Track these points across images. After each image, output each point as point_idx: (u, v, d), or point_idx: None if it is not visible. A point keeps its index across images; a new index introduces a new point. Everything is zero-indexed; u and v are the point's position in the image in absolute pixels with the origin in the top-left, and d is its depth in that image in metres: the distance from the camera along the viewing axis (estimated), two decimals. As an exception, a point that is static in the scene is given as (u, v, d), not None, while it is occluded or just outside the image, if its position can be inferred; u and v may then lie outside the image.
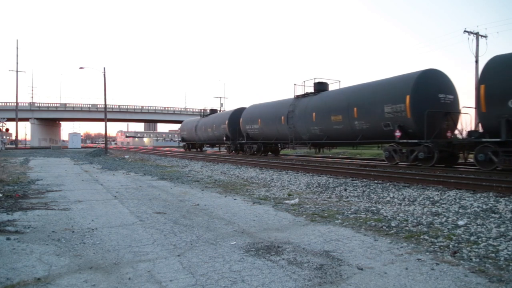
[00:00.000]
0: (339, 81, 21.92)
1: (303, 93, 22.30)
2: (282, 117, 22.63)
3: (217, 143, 34.70)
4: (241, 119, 28.34)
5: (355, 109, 17.15)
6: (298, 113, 21.15)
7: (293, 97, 22.78)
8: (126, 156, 27.84)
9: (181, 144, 44.11)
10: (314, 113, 19.88)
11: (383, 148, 16.64)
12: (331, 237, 4.73)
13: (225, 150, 33.36)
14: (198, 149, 41.28)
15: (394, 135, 15.23)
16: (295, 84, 22.89)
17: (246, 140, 27.84)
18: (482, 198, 7.44)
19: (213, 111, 37.63)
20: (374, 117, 16.28)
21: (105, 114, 38.01)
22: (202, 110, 38.58)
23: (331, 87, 21.63)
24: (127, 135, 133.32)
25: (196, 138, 37.53)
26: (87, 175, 13.35)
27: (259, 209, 6.70)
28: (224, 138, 30.34)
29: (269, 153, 27.72)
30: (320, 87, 21.41)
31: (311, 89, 21.79)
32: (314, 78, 21.75)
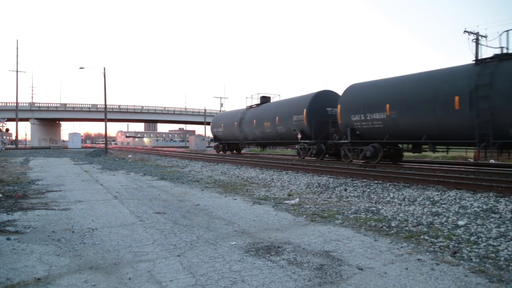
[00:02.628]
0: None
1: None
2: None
3: (281, 143, 25.77)
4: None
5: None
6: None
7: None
8: (128, 156, 27.84)
9: (213, 144, 38.21)
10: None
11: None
12: (331, 237, 4.73)
13: (292, 156, 26.46)
14: (234, 151, 33.94)
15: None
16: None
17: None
18: (482, 198, 7.44)
19: (265, 98, 28.94)
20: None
21: (105, 114, 38.01)
22: (249, 97, 31.36)
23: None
24: (127, 135, 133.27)
25: (241, 136, 28.97)
26: (87, 175, 13.35)
27: (259, 209, 6.70)
28: (299, 136, 21.57)
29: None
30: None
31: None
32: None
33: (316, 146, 20.55)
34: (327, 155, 21.12)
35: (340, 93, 19.82)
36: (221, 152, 33.57)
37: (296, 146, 22.70)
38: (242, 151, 35.66)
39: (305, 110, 21.08)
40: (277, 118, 23.62)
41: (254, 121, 26.20)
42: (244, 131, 27.87)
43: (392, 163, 16.94)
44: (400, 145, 17.24)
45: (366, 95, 16.76)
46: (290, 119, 22.29)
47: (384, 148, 16.40)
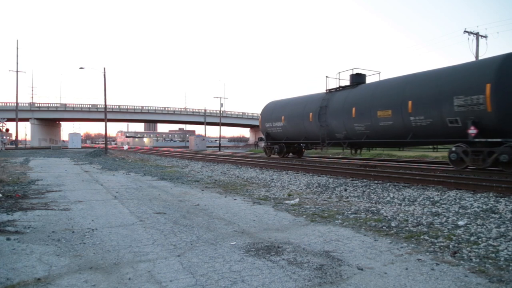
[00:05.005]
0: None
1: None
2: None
3: (416, 142, 15.77)
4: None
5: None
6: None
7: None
8: (129, 156, 27.85)
9: (262, 144, 27.84)
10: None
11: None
12: (331, 237, 4.73)
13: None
14: (290, 154, 24.29)
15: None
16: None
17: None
18: (482, 198, 7.44)
19: (359, 77, 19.21)
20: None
21: (105, 114, 38.02)
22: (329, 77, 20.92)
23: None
24: (127, 135, 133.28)
25: (322, 131, 19.41)
26: (87, 175, 13.34)
27: (259, 209, 6.70)
28: (472, 131, 12.46)
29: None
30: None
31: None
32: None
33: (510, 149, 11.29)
34: None
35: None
36: (275, 155, 23.97)
37: (453, 148, 13.11)
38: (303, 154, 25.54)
39: (488, 86, 11.97)
40: (410, 103, 14.56)
41: (354, 109, 17.20)
42: (329, 125, 18.85)
43: None
44: None
45: None
46: (444, 103, 13.30)
47: None
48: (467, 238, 4.59)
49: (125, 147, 62.20)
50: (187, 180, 11.70)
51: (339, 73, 20.07)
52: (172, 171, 15.49)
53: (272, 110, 24.45)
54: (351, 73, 19.39)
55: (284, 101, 24.32)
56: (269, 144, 24.78)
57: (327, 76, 20.34)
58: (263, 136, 25.93)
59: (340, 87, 19.61)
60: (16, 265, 3.64)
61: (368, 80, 19.28)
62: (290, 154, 24.27)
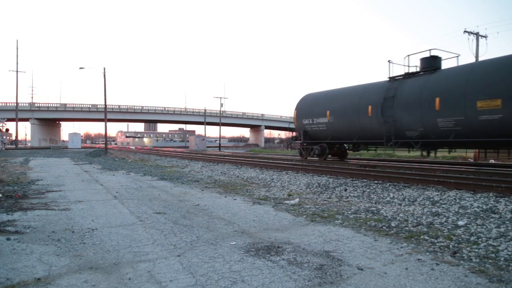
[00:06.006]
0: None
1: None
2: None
3: None
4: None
5: None
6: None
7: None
8: (129, 156, 27.85)
9: (297, 143, 22.50)
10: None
11: None
12: (331, 237, 4.73)
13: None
14: (333, 157, 20.68)
15: None
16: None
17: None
18: (482, 198, 7.44)
19: (434, 60, 15.22)
20: None
21: (105, 114, 38.02)
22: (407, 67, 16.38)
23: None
24: (127, 135, 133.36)
25: (386, 128, 15.57)
26: (87, 175, 13.35)
27: (259, 209, 6.70)
28: None
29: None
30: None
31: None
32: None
33: None
34: None
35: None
36: (314, 157, 19.91)
37: None
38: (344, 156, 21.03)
39: None
40: None
41: (438, 100, 13.45)
42: (397, 120, 14.95)
43: None
44: None
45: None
46: None
47: None
48: (467, 238, 4.59)
49: (132, 147, 62.02)
50: (187, 180, 11.70)
51: (408, 56, 15.92)
52: (172, 171, 15.49)
53: (313, 103, 20.12)
54: (422, 57, 15.49)
55: (328, 92, 20.12)
56: (305, 144, 20.62)
57: (389, 61, 16.41)
58: (295, 135, 22.39)
59: (410, 73, 15.66)
60: (16, 265, 3.64)
61: (444, 65, 15.28)
62: (329, 156, 20.31)
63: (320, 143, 19.56)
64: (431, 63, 15.09)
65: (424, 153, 16.08)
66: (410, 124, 14.66)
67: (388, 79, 16.34)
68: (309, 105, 20.36)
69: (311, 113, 19.86)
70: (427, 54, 15.37)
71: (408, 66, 15.85)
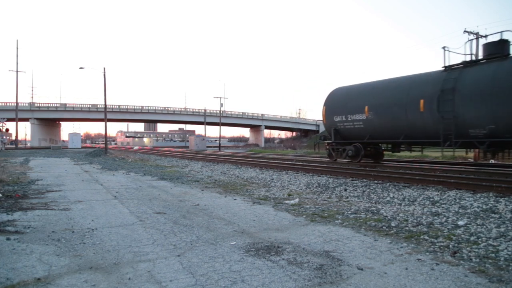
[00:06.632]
0: None
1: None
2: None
3: None
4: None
5: None
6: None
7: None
8: (129, 156, 27.85)
9: (325, 143, 19.54)
10: None
11: None
12: (331, 237, 4.73)
13: None
14: (362, 160, 17.09)
15: None
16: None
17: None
18: (482, 198, 7.44)
19: (503, 45, 12.98)
20: None
21: (105, 114, 38.02)
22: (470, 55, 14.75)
23: None
24: (127, 135, 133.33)
25: (441, 126, 13.20)
26: (87, 175, 13.35)
27: (259, 209, 6.70)
28: None
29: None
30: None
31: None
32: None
33: None
34: None
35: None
36: (346, 159, 17.61)
37: None
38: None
39: None
40: None
41: None
42: (459, 116, 12.79)
43: None
44: None
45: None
46: None
47: None
48: (467, 238, 4.59)
49: (135, 147, 61.96)
50: (187, 180, 11.70)
51: (469, 40, 13.86)
52: (172, 171, 15.49)
53: (346, 98, 17.71)
54: (486, 43, 13.76)
55: (365, 85, 17.59)
56: (334, 144, 18.33)
57: (444, 48, 14.32)
58: (324, 134, 19.93)
59: (472, 61, 13.81)
60: (16, 265, 3.64)
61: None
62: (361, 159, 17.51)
63: (353, 143, 17.10)
64: (500, 48, 12.91)
65: (489, 155, 14.07)
66: (476, 120, 12.41)
67: (444, 68, 14.08)
68: (341, 100, 17.87)
69: (344, 109, 17.35)
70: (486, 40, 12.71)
71: (468, 53, 14.04)
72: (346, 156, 17.42)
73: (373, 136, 16.23)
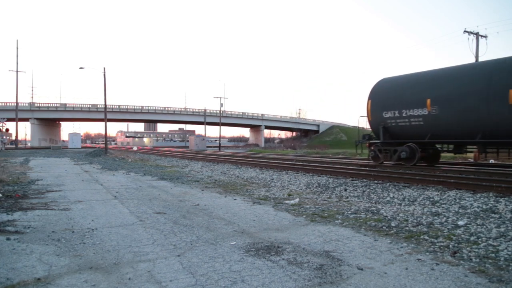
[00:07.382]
0: None
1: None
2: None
3: None
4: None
5: None
6: None
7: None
8: (129, 156, 27.85)
9: (370, 143, 16.63)
10: None
11: None
12: (331, 237, 4.73)
13: None
14: (425, 164, 15.09)
15: None
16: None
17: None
18: (482, 198, 7.44)
19: None
20: None
21: (105, 114, 38.02)
22: None
23: None
24: (127, 135, 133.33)
25: None
26: (87, 175, 13.35)
27: (259, 209, 6.70)
28: None
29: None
30: None
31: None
32: None
33: None
34: None
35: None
36: (395, 162, 15.00)
37: None
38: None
39: None
40: None
41: None
42: None
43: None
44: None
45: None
46: None
47: None
48: (467, 238, 4.59)
49: (135, 148, 62.16)
50: (187, 180, 11.70)
51: None
52: (172, 171, 15.49)
53: (399, 90, 15.01)
54: None
55: (425, 74, 14.66)
56: (379, 144, 15.62)
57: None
58: (367, 133, 17.39)
59: None
60: (16, 265, 3.64)
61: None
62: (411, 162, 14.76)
63: (406, 143, 14.45)
64: None
65: None
66: None
67: None
68: (393, 93, 15.10)
69: (397, 104, 14.60)
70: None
71: None
72: (397, 158, 14.76)
73: (436, 135, 13.53)
